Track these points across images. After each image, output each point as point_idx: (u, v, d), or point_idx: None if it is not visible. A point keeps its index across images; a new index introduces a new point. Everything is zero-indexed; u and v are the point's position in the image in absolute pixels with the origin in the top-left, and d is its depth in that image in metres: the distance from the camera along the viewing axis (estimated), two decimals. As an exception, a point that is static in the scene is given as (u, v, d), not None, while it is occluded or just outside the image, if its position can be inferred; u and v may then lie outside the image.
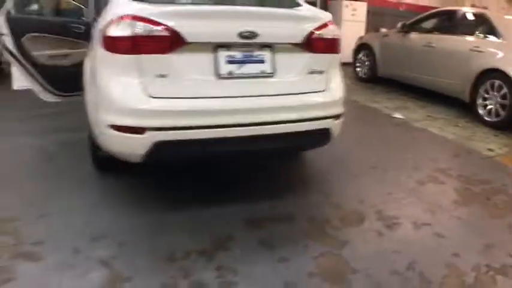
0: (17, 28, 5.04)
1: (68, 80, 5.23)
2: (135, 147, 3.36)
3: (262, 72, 3.51)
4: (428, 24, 9.01)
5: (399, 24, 9.14)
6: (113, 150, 3.54)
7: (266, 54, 3.56)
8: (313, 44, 3.68)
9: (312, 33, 3.67)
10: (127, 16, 3.28)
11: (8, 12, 4.97)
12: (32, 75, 5.29)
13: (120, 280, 2.92)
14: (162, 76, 3.29)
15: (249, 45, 3.49)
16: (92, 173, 4.45)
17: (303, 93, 3.70)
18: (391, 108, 7.56)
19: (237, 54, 3.47)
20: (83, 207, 3.80)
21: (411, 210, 3.84)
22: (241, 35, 3.39)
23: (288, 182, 4.53)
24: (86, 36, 5.03)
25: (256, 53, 3.54)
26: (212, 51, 3.42)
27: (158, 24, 3.26)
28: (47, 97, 5.51)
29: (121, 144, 3.43)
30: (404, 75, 8.99)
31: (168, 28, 3.26)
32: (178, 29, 3.27)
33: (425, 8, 12.31)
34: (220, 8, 3.66)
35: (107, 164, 4.27)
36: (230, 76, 3.47)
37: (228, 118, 3.40)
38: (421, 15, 9.11)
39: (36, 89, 5.42)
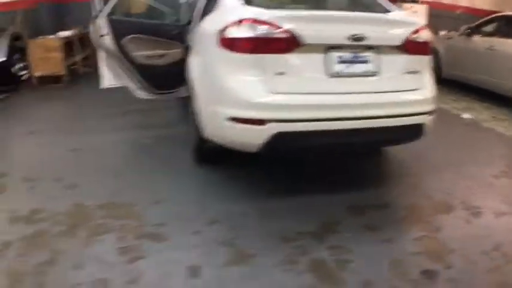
0: (118, 30, 5.46)
1: (162, 79, 5.73)
2: (254, 137, 3.72)
3: (367, 71, 3.82)
4: (491, 27, 9.08)
5: (463, 28, 9.25)
6: (230, 141, 3.92)
7: (370, 55, 3.88)
8: (409, 46, 3.98)
9: (409, 36, 3.97)
10: (249, 19, 3.66)
11: (109, 15, 5.37)
12: (129, 73, 5.69)
13: (246, 256, 3.25)
14: (281, 74, 3.65)
15: (356, 47, 3.81)
16: (192, 164, 4.88)
17: (401, 91, 3.99)
18: (459, 108, 7.77)
19: (346, 55, 3.80)
20: (191, 195, 4.20)
21: (491, 201, 4.06)
22: (351, 38, 3.73)
23: (378, 174, 4.86)
24: (179, 38, 5.55)
25: (362, 54, 3.85)
26: (324, 52, 3.76)
27: (278, 27, 3.62)
28: (142, 94, 5.94)
29: (240, 135, 3.79)
30: (468, 77, 9.10)
31: (287, 31, 3.62)
32: (296, 31, 3.63)
33: (481, 12, 12.41)
34: (332, 13, 4.08)
35: (209, 156, 4.70)
36: (339, 74, 3.79)
37: (338, 112, 3.73)
38: (484, 19, 9.21)
39: (132, 86, 5.85)
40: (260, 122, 3.58)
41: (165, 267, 3.13)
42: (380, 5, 4.43)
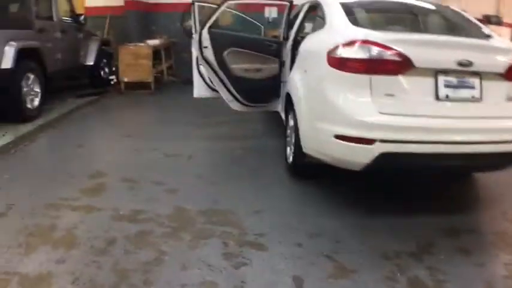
0: (219, 42, 5.63)
1: (257, 92, 5.87)
2: (360, 156, 3.77)
3: (472, 97, 3.81)
4: None
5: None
6: (334, 158, 3.98)
7: (475, 81, 3.86)
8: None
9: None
10: (361, 41, 3.75)
11: (210, 27, 5.55)
12: (225, 85, 5.83)
13: (348, 271, 3.26)
14: (390, 95, 3.72)
15: (463, 73, 3.82)
16: (286, 177, 4.97)
17: (504, 117, 3.96)
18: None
19: (453, 80, 3.81)
20: (289, 207, 4.26)
21: None
22: (460, 63, 3.75)
23: (469, 198, 4.80)
24: (276, 53, 5.69)
25: (468, 79, 3.84)
26: (433, 76, 3.78)
27: (391, 49, 3.68)
28: (236, 106, 6.07)
29: (345, 153, 3.85)
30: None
31: (399, 54, 3.68)
32: (408, 54, 3.68)
33: None
34: (440, 38, 4.11)
35: (306, 171, 4.76)
36: (446, 99, 3.80)
37: (444, 136, 3.73)
38: None
39: (227, 97, 5.99)
40: (368, 141, 3.60)
41: (269, 276, 3.17)
42: (478, 28, 4.46)
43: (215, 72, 5.74)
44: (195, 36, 5.77)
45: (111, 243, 3.49)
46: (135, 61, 9.63)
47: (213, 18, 5.54)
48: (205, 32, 5.50)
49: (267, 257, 3.38)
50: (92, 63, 9.66)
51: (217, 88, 5.97)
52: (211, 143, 6.20)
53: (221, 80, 5.78)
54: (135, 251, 3.40)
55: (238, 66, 5.76)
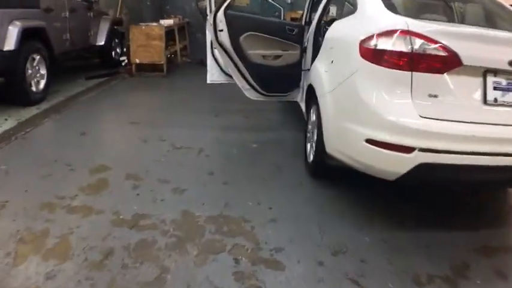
0: (235, 25, 5.11)
1: (276, 81, 5.36)
2: (396, 165, 3.27)
3: (524, 102, 3.20)
4: None
5: None
6: (363, 164, 3.48)
7: None
8: None
9: None
10: (402, 31, 3.21)
11: (227, 9, 5.02)
12: (241, 72, 5.34)
13: None
14: (433, 96, 3.19)
15: None
16: (307, 176, 4.52)
17: None
18: None
19: (503, 81, 3.28)
20: (309, 215, 3.79)
21: None
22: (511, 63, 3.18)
23: (503, 214, 4.32)
24: (297, 39, 5.18)
25: None
26: (481, 76, 3.25)
27: (436, 42, 3.15)
28: (252, 95, 5.58)
29: (378, 161, 3.35)
30: None
31: (446, 48, 3.15)
32: (456, 49, 3.14)
33: None
34: (492, 33, 3.53)
35: (328, 172, 4.27)
36: (494, 103, 3.28)
37: (492, 146, 3.21)
38: None
39: (242, 85, 5.50)
40: (406, 149, 3.11)
41: (288, 304, 2.63)
42: None
43: (230, 57, 5.25)
44: (210, 18, 5.24)
45: (108, 256, 3.05)
46: (147, 42, 9.19)
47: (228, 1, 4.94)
48: (220, 14, 4.99)
49: (283, 280, 2.92)
50: (102, 43, 9.26)
51: (232, 75, 5.48)
52: (224, 133, 5.75)
53: (237, 67, 5.30)
54: (135, 266, 2.97)
55: (256, 52, 5.26)
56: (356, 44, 3.45)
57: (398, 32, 3.21)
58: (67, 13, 7.75)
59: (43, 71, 6.80)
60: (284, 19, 9.13)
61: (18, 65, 6.15)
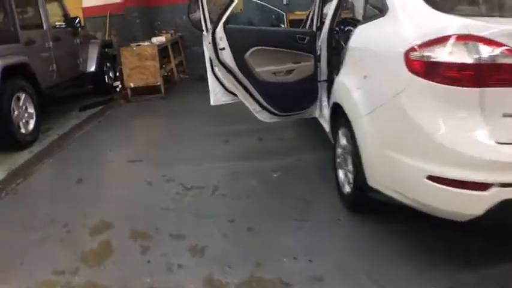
0: (237, 41, 4.39)
1: (291, 98, 4.68)
2: (469, 205, 2.57)
3: None
4: None
5: None
6: (422, 203, 2.77)
7: None
8: None
9: None
10: (462, 36, 2.50)
11: (226, 23, 4.29)
12: (250, 93, 4.64)
13: None
14: (510, 116, 2.47)
15: None
16: (342, 213, 3.78)
17: None
18: None
19: None
20: (357, 263, 3.08)
21: None
22: None
23: None
24: (310, 48, 4.53)
25: None
26: None
27: (507, 47, 2.43)
28: (265, 117, 4.87)
29: (444, 201, 2.64)
30: None
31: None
32: None
33: None
34: None
35: (368, 205, 3.56)
36: None
37: None
38: None
39: (253, 108, 4.79)
40: (482, 186, 2.44)
41: None
42: None
43: (236, 78, 4.52)
44: (207, 35, 4.51)
45: None
46: (140, 63, 8.50)
47: (228, 11, 4.26)
48: (220, 30, 4.26)
49: None
50: (93, 69, 8.57)
51: (240, 97, 4.78)
52: (238, 163, 5.00)
53: (245, 88, 4.58)
54: None
55: (265, 69, 4.54)
56: (399, 54, 2.73)
57: (456, 38, 2.51)
58: (51, 43, 7.09)
59: (31, 110, 6.16)
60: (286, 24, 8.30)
61: (2, 107, 5.52)
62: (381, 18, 3.22)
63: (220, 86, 5.44)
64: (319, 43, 4.67)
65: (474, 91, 2.47)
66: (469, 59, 2.44)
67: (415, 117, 2.65)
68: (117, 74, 9.28)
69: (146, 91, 8.67)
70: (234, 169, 4.80)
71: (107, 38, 10.12)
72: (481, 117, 2.49)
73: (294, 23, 8.70)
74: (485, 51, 2.43)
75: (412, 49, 2.63)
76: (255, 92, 4.55)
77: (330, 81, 4.52)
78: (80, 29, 8.32)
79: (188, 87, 9.62)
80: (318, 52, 4.66)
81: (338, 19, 4.57)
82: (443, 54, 2.52)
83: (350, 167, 3.54)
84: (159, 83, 8.60)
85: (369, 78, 3.18)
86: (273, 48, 4.50)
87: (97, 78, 8.78)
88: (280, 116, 4.88)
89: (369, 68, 3.22)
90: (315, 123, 5.01)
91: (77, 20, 8.15)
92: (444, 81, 2.52)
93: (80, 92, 8.83)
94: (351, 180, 3.54)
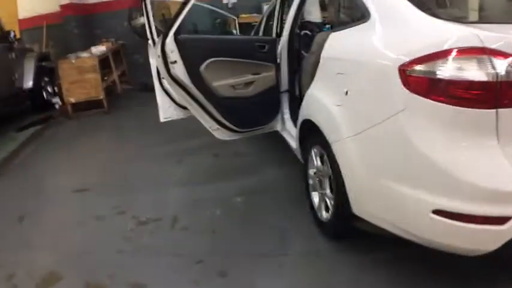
0: (192, 53, 3.86)
1: (251, 113, 4.24)
2: (482, 241, 2.18)
3: None
4: None
5: None
6: (430, 241, 2.35)
7: None
8: None
9: None
10: (475, 50, 2.08)
11: (177, 33, 3.73)
12: (206, 110, 4.10)
13: None
14: None
15: None
16: (322, 243, 3.30)
17: None
18: None
19: None
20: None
21: None
22: None
23: None
24: (270, 56, 4.15)
25: None
26: None
27: None
28: (224, 135, 4.34)
29: (453, 237, 2.24)
30: None
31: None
32: None
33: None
34: None
35: (352, 232, 3.08)
36: None
37: None
38: None
39: (210, 125, 4.25)
40: (498, 220, 2.07)
41: None
42: None
43: (190, 94, 3.98)
44: (155, 47, 4.01)
45: None
46: (80, 77, 7.81)
47: (180, 19, 3.71)
48: (170, 42, 3.70)
49: None
50: (30, 85, 7.90)
51: (195, 114, 4.22)
52: (195, 187, 4.45)
53: (200, 105, 4.04)
54: None
55: (223, 83, 4.02)
56: (391, 69, 2.30)
57: (463, 51, 2.10)
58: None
59: (-40, 138, 5.23)
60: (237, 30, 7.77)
61: None
62: (361, 25, 2.78)
63: (170, 100, 4.88)
64: (279, 50, 4.21)
65: (489, 113, 2.06)
66: (485, 76, 2.03)
67: (418, 143, 2.21)
68: (56, 89, 8.42)
69: (88, 106, 7.99)
70: (193, 195, 4.25)
71: (44, 50, 9.24)
72: (497, 143, 2.09)
73: (241, 27, 8.18)
74: (501, 66, 2.02)
75: (411, 63, 2.20)
76: (212, 108, 4.03)
77: (292, 92, 4.17)
78: (15, 42, 7.66)
79: (132, 98, 9.02)
80: (278, 60, 4.20)
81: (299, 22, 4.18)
82: (449, 70, 2.09)
83: (328, 191, 3.12)
84: (101, 97, 7.94)
85: (352, 95, 2.71)
86: (230, 59, 4.00)
87: (35, 94, 8.09)
88: (241, 133, 4.37)
89: (351, 83, 2.75)
90: (273, 134, 4.58)
91: (12, 34, 7.51)
92: (452, 101, 2.09)
93: (18, 110, 8.11)
94: (330, 206, 3.10)
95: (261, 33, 5.51)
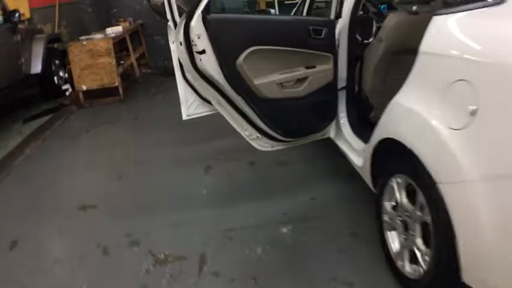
0: (227, 39, 2.82)
1: (303, 118, 3.25)
2: None
3: None
4: None
5: None
6: None
7: None
8: None
9: None
10: None
11: (206, 11, 2.71)
12: (244, 116, 3.13)
13: None
14: None
15: None
16: None
17: None
18: None
19: None
20: None
21: None
22: None
23: None
24: (328, 44, 3.06)
25: None
26: None
27: None
28: (265, 145, 3.36)
29: None
30: None
31: None
32: None
33: None
34: None
35: None
36: None
37: None
38: None
39: (248, 134, 3.26)
40: None
41: None
42: None
43: (223, 94, 2.98)
44: (176, 31, 3.04)
45: None
46: (92, 61, 6.77)
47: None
48: (196, 23, 2.70)
49: None
50: (38, 70, 6.83)
51: (228, 119, 3.24)
52: (228, 210, 3.42)
53: (236, 108, 3.05)
54: None
55: (268, 80, 2.96)
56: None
57: None
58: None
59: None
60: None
61: None
62: (492, 9, 1.83)
63: (195, 95, 3.97)
64: (337, 36, 3.16)
65: None
66: None
67: None
68: (66, 75, 7.38)
69: (102, 93, 6.99)
70: (225, 221, 3.25)
71: (56, 31, 8.16)
72: None
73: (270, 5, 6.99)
74: None
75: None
76: (252, 113, 3.03)
77: (350, 89, 3.27)
78: (20, 23, 6.68)
79: (152, 84, 7.95)
80: (339, 49, 3.17)
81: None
82: None
83: (419, 240, 2.22)
84: (116, 84, 6.89)
85: (485, 116, 1.75)
86: (277, 48, 2.93)
87: (45, 79, 7.08)
88: (287, 143, 3.40)
89: (483, 97, 1.77)
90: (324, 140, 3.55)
91: (16, 14, 6.49)
92: None
93: (27, 96, 7.16)
94: (421, 261, 2.20)
95: (304, 13, 4.32)
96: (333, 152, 3.64)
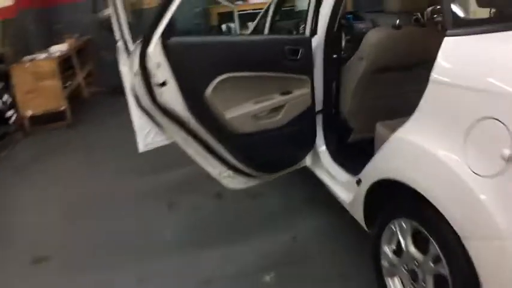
0: (192, 67, 2.43)
1: (279, 151, 2.90)
2: None
3: None
4: None
5: None
6: None
7: None
8: None
9: None
10: None
11: (165, 35, 2.29)
12: (215, 153, 2.70)
13: None
14: None
15: None
16: None
17: None
18: None
19: None
20: None
21: None
22: None
23: None
24: (305, 65, 2.73)
25: None
26: None
27: None
28: (238, 183, 2.95)
29: None
30: None
31: None
32: None
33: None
34: None
35: None
36: None
37: None
38: None
39: (218, 172, 2.85)
40: None
41: None
42: None
43: (189, 132, 2.56)
44: (130, 59, 2.67)
45: None
46: (36, 84, 6.25)
47: (169, 12, 2.27)
48: (155, 50, 2.29)
49: None
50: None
51: (195, 159, 2.79)
52: (202, 256, 2.99)
53: (205, 146, 2.62)
54: None
55: (241, 113, 2.58)
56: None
57: None
58: None
59: None
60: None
61: None
62: None
63: (151, 123, 3.31)
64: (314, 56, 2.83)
65: None
66: None
67: None
68: (10, 99, 6.76)
69: (49, 119, 6.45)
70: (199, 272, 2.81)
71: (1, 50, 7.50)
72: None
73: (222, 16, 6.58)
74: None
75: None
76: (224, 150, 2.64)
77: (327, 112, 2.96)
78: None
79: (101, 105, 7.46)
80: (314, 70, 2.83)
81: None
82: None
83: None
84: (63, 107, 6.37)
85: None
86: (250, 74, 2.55)
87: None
88: (261, 178, 3.01)
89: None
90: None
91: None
92: None
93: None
94: None
95: (266, 30, 3.92)
96: (307, 179, 3.29)
